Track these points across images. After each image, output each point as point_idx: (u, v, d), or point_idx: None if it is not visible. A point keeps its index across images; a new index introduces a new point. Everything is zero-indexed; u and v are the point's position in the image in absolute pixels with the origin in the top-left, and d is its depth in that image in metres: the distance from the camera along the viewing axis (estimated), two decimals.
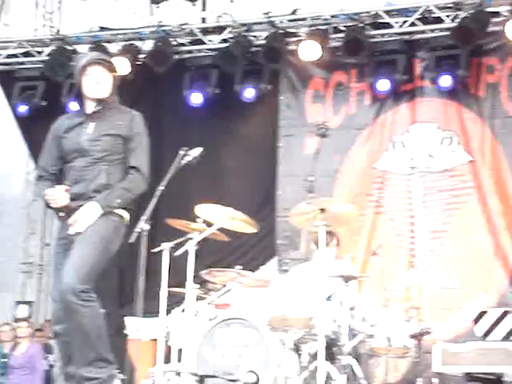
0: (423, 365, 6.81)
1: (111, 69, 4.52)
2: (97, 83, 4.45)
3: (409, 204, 8.90)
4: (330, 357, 6.19)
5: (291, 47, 9.14)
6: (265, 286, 6.54)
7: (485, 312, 6.12)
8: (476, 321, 6.10)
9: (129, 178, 4.46)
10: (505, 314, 5.99)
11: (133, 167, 4.47)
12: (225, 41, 9.40)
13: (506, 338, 5.89)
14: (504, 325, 5.95)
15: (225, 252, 8.79)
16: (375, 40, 8.90)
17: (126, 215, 4.48)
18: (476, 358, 5.83)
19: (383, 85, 8.84)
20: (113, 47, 9.64)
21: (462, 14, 8.46)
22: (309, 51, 8.95)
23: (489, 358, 5.77)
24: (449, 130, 8.84)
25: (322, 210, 6.29)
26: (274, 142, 9.44)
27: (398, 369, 7.20)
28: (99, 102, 4.47)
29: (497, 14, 8.43)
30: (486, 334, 6.00)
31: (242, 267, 6.73)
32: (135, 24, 10.04)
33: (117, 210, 4.41)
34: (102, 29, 9.83)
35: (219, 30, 9.50)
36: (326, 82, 9.30)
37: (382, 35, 8.96)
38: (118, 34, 9.79)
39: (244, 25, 9.34)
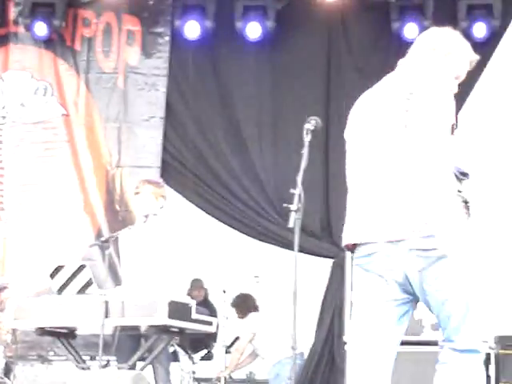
0: None
1: None
2: None
3: None
4: None
5: None
6: None
7: (62, 266, 6.03)
8: (52, 276, 5.99)
9: None
10: (81, 267, 5.96)
11: None
12: None
13: (80, 292, 5.85)
14: (80, 278, 5.91)
15: None
16: None
17: None
18: (49, 313, 5.75)
19: None
20: None
21: None
22: None
23: (61, 312, 5.72)
24: (43, 81, 8.60)
25: None
26: None
27: None
28: None
29: None
30: (62, 288, 5.91)
31: None
32: None
33: None
34: None
35: None
36: None
37: None
38: None
39: None
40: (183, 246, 7.14)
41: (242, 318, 8.26)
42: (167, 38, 8.50)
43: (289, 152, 8.01)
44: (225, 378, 7.77)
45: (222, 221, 8.78)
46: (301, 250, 7.80)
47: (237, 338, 8.24)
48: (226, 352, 7.98)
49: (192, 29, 8.33)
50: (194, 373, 7.16)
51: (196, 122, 8.64)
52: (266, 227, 8.39)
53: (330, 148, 8.38)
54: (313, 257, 8.23)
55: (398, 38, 8.07)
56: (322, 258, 8.24)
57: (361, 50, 8.39)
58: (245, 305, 8.25)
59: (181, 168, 8.66)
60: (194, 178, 8.64)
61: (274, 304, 8.84)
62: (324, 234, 8.17)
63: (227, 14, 8.29)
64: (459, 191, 6.05)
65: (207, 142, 8.62)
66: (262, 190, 8.42)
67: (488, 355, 7.43)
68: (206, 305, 8.05)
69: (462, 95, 7.99)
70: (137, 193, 6.16)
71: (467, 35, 7.91)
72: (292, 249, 7.80)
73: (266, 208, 8.40)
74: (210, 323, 5.90)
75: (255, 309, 8.30)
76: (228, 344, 8.07)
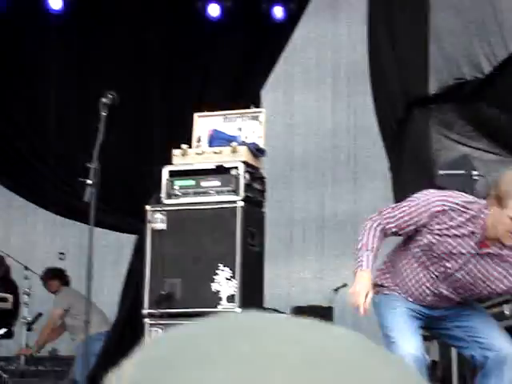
0: None
1: None
2: None
3: None
4: None
5: None
6: None
7: None
8: None
9: None
10: None
11: None
12: None
13: None
14: None
15: None
16: None
17: None
18: None
19: None
20: None
21: None
22: None
23: None
24: None
25: None
26: None
27: None
28: None
29: None
30: None
31: None
32: None
33: None
34: None
35: None
36: None
37: None
38: None
39: None
40: None
41: (54, 292, 8.15)
42: None
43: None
44: (26, 356, 7.64)
45: (28, 199, 8.64)
46: (105, 226, 7.86)
47: (39, 315, 8.11)
48: (28, 329, 7.84)
49: None
50: None
51: None
52: (73, 204, 8.29)
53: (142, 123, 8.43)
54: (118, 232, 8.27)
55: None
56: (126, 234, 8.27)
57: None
58: (55, 279, 8.16)
59: None
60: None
61: (79, 280, 8.81)
62: (129, 209, 8.19)
63: None
64: (257, 168, 6.27)
65: (11, 121, 8.41)
66: (68, 167, 8.30)
67: None
68: (5, 281, 7.88)
69: (262, 74, 8.28)
70: None
71: (267, 17, 8.23)
72: (99, 225, 7.83)
73: (73, 185, 8.29)
74: (5, 300, 5.79)
75: (66, 283, 8.24)
76: (30, 321, 7.93)
